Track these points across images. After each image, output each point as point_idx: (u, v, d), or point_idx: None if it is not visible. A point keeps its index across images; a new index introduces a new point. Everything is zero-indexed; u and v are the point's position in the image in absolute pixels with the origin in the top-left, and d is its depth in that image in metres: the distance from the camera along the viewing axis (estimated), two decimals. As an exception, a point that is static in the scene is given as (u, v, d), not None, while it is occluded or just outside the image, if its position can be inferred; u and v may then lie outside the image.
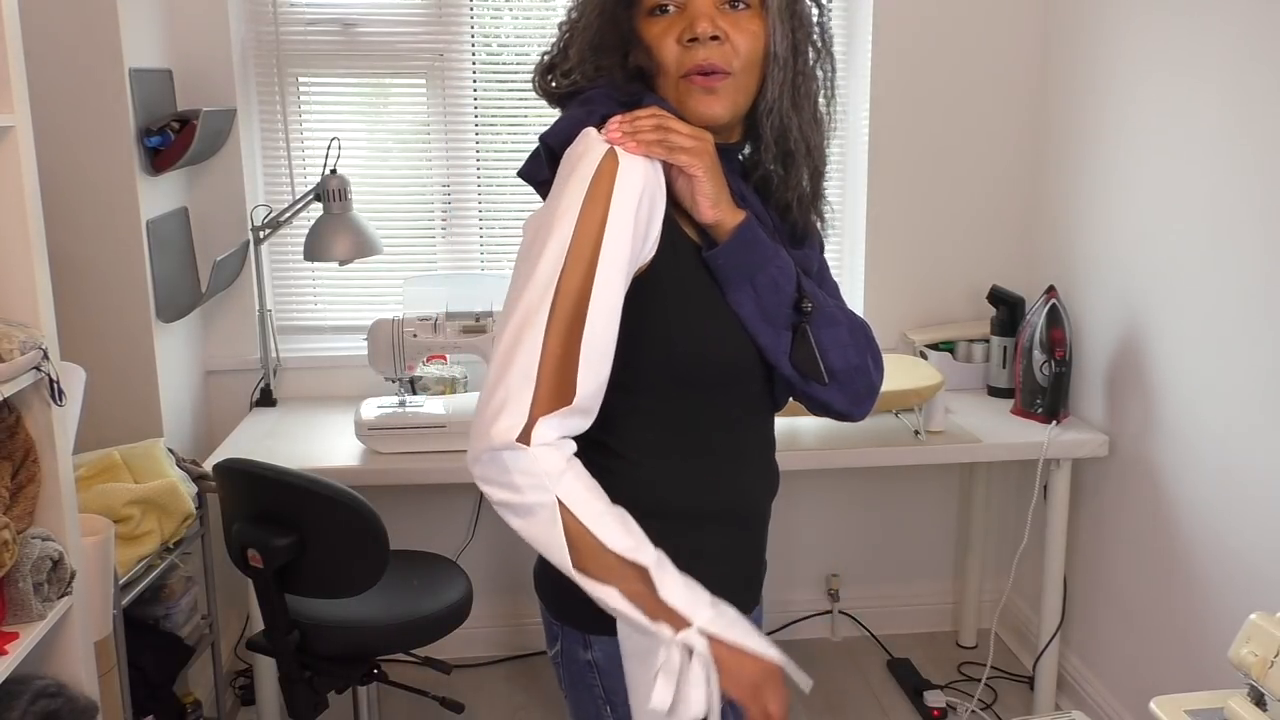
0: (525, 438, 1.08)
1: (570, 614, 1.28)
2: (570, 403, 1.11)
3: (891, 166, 3.05)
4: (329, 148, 2.79)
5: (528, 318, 1.11)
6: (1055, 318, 2.69)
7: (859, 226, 3.10)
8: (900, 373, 2.66)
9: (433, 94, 2.95)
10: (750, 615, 1.30)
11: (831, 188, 3.13)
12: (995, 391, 2.95)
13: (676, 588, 1.12)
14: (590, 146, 1.15)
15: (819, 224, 1.35)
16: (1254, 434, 2.17)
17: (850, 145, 3.10)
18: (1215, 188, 2.27)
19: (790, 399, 1.34)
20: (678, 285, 1.21)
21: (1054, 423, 2.68)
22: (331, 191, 2.68)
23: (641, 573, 1.10)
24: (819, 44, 1.28)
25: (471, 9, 2.90)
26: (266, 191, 2.97)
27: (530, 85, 1.33)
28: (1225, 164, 2.24)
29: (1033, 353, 2.72)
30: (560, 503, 1.09)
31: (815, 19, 1.27)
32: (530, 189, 1.37)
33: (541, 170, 1.24)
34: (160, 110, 2.63)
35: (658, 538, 1.15)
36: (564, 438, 1.12)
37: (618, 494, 1.16)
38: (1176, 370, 2.42)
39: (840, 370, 1.27)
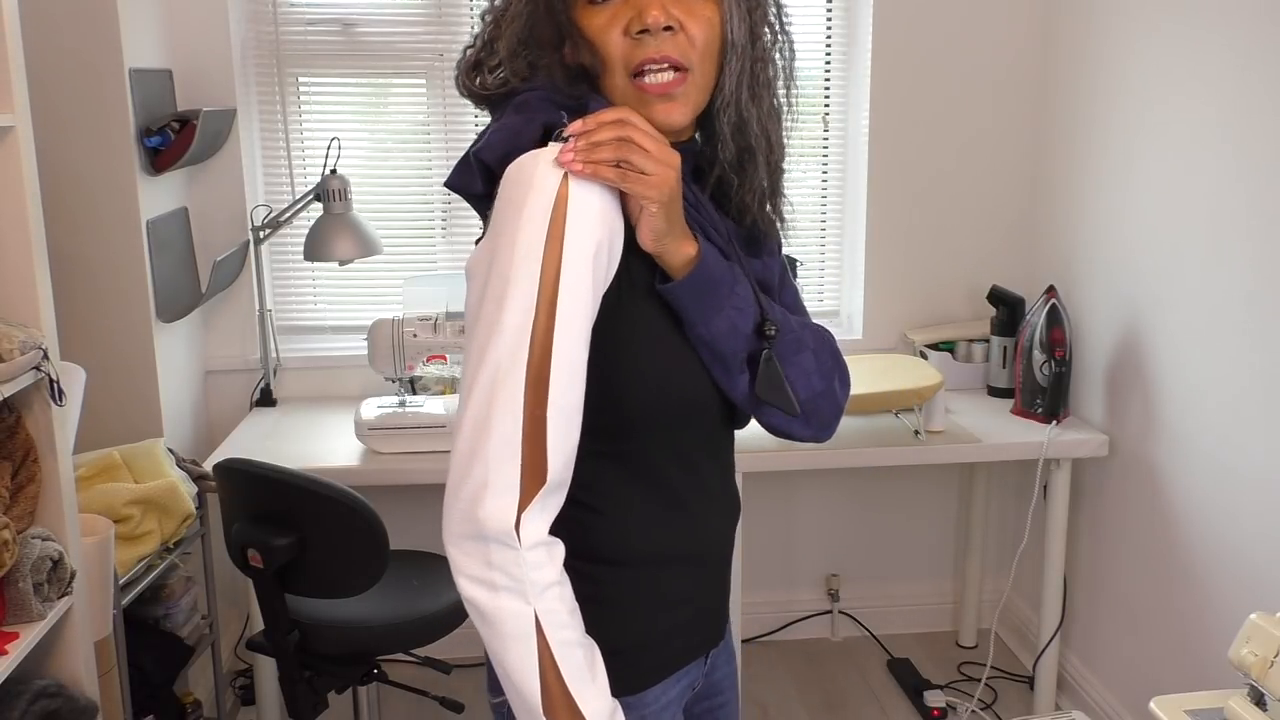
0: (516, 529, 0.96)
1: None
2: (546, 479, 0.98)
3: (891, 167, 3.04)
4: (329, 148, 2.79)
5: (499, 376, 0.96)
6: (1055, 318, 2.69)
7: (859, 226, 3.10)
8: (900, 373, 2.66)
9: (433, 94, 2.95)
10: (717, 649, 1.27)
11: (831, 188, 3.13)
12: (995, 391, 2.95)
13: None
14: (539, 170, 0.99)
15: (778, 224, 1.21)
16: (1254, 434, 2.17)
17: (850, 145, 3.10)
18: (1215, 187, 2.27)
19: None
20: (631, 320, 1.07)
21: (1054, 423, 2.68)
22: (331, 191, 2.68)
23: None
24: (775, 25, 1.12)
25: (471, 9, 2.90)
26: (266, 191, 2.97)
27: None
28: (1225, 164, 2.24)
29: (1033, 353, 2.72)
30: (537, 620, 0.97)
31: None
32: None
33: (474, 183, 1.09)
34: (160, 110, 2.63)
35: (620, 584, 1.11)
36: (552, 536, 1.00)
37: (579, 542, 1.08)
38: (1176, 370, 2.42)
39: (805, 400, 1.16)
